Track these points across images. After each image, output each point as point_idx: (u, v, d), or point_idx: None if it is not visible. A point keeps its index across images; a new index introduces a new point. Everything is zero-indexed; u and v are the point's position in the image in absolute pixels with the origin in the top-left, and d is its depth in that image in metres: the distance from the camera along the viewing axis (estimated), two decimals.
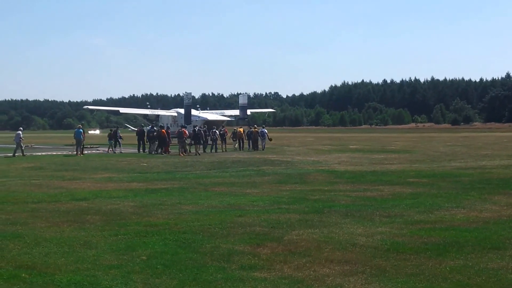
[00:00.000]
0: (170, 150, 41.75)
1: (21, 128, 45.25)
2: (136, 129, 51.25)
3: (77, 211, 14.35)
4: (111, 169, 27.91)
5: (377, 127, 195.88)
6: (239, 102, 65.94)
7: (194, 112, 61.60)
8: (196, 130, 41.78)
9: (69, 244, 10.49)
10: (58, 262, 9.22)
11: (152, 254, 9.73)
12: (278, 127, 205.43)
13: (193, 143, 41.58)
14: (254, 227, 11.94)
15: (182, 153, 39.44)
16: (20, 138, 39.75)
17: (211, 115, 64.49)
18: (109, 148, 45.52)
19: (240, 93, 69.17)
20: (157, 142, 42.47)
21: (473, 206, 14.86)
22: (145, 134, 45.26)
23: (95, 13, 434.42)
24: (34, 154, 41.38)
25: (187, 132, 41.50)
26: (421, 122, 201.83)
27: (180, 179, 22.55)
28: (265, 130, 49.69)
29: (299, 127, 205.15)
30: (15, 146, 39.97)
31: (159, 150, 41.71)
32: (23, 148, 40.26)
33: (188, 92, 60.08)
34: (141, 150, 44.15)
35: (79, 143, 40.54)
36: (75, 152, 40.23)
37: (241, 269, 8.83)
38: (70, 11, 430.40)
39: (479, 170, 25.17)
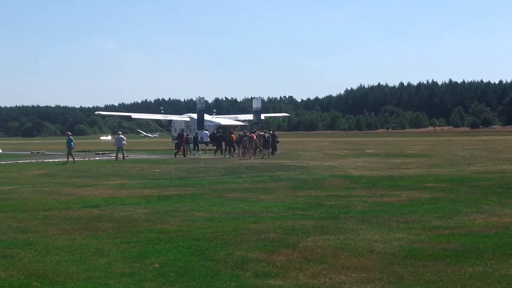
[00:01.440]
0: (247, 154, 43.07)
1: (120, 132, 46.57)
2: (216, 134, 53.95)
3: (88, 218, 14.26)
4: (123, 175, 27.86)
5: (394, 131, 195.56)
6: (253, 106, 66.12)
7: (207, 117, 61.82)
8: (267, 135, 43.88)
9: (81, 252, 10.38)
10: (70, 270, 9.12)
11: (165, 261, 9.60)
12: (293, 132, 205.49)
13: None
14: (269, 234, 11.78)
15: (250, 157, 41.66)
16: (123, 142, 41.88)
17: (224, 120, 64.50)
18: (186, 151, 48.10)
19: (254, 97, 69.24)
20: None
21: (493, 211, 14.63)
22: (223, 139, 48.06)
23: (107, 17, 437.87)
24: (45, 160, 41.46)
25: (255, 136, 43.32)
26: (439, 126, 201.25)
27: (193, 185, 22.42)
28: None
29: (314, 132, 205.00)
30: (116, 149, 42.44)
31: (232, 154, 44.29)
32: (124, 152, 42.12)
33: (201, 96, 60.34)
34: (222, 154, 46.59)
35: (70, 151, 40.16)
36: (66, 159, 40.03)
37: (256, 276, 8.68)
38: (81, 16, 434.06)
39: (499, 174, 24.91)
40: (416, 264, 9.21)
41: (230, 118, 70.62)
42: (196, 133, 53.71)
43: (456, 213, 14.29)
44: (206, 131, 53.98)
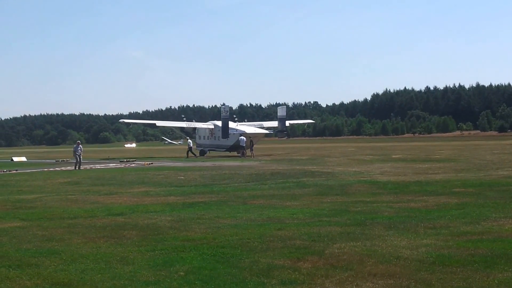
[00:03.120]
0: None
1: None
2: None
3: (113, 226, 14.25)
4: (148, 183, 27.88)
5: (421, 135, 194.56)
6: (278, 114, 66.22)
7: (231, 124, 62.17)
8: None
9: (106, 260, 10.35)
10: (95, 279, 9.08)
11: (190, 269, 9.54)
12: (318, 137, 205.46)
13: None
14: (294, 241, 11.68)
15: None
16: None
17: (249, 128, 64.44)
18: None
19: (279, 103, 69.71)
20: None
21: None
22: None
23: (133, 25, 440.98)
24: (69, 168, 41.79)
25: None
26: (466, 130, 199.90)
27: (218, 192, 22.35)
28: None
29: (339, 137, 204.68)
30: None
31: None
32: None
33: (225, 104, 60.81)
34: None
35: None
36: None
37: (281, 284, 8.59)
38: (109, 24, 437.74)
39: None
40: (444, 270, 9.07)
41: (254, 125, 70.52)
42: (238, 140, 56.42)
43: (484, 218, 14.08)
44: (243, 137, 55.98)
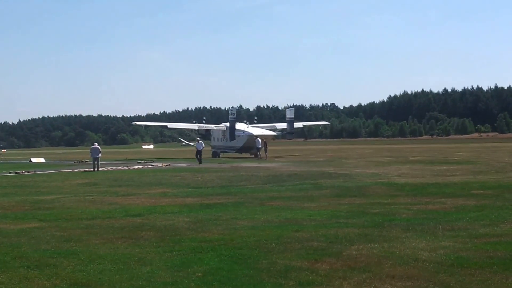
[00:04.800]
0: None
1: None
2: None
3: (131, 227, 14.29)
4: (166, 184, 27.97)
5: (439, 137, 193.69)
6: (286, 115, 66.92)
7: (241, 126, 62.69)
8: None
9: (124, 260, 10.37)
10: (113, 279, 9.11)
11: (208, 270, 9.55)
12: (335, 139, 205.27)
13: None
14: (312, 242, 11.65)
15: None
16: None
17: (257, 130, 64.72)
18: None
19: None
20: None
21: None
22: None
23: (151, 27, 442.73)
24: (87, 170, 41.92)
25: None
26: (484, 132, 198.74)
27: (235, 194, 22.38)
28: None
29: (357, 139, 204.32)
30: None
31: None
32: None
33: (233, 107, 61.30)
34: None
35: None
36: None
37: (299, 285, 8.58)
38: (126, 26, 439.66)
39: None
40: (463, 272, 9.02)
41: (265, 127, 70.46)
42: (254, 141, 57.73)
43: (503, 220, 14.01)
44: (258, 139, 56.44)
